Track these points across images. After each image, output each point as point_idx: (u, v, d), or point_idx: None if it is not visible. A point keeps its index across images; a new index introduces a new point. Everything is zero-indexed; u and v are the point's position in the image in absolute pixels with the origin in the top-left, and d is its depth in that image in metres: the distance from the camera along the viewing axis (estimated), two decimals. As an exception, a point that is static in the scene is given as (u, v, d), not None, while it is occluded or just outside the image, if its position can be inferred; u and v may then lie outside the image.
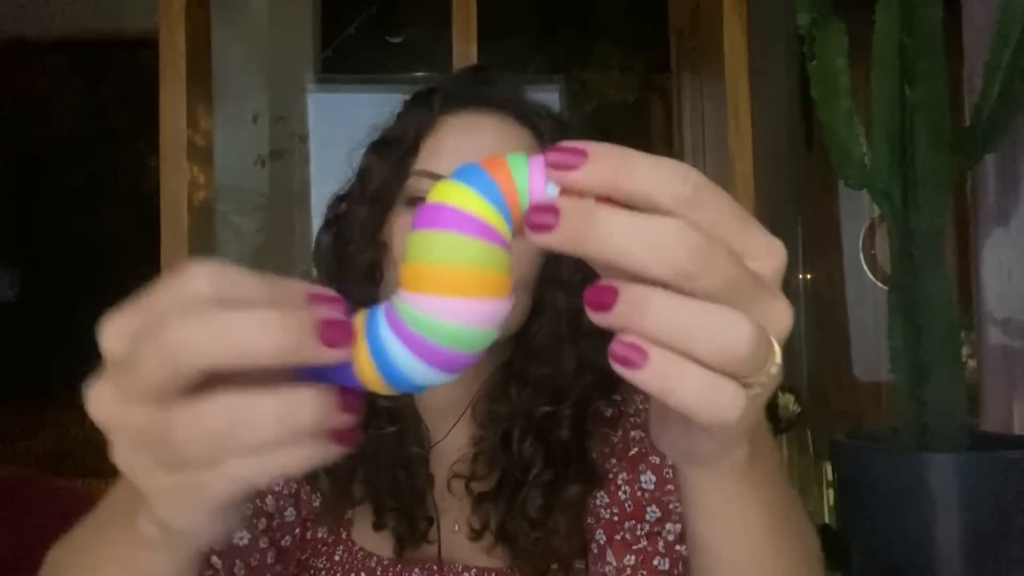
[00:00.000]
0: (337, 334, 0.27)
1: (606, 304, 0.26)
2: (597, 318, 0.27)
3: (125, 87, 2.36)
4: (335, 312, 0.28)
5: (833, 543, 0.98)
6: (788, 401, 1.60)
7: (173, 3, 1.58)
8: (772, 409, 1.57)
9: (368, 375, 0.28)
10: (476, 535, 0.66)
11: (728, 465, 0.34)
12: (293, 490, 0.66)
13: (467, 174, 0.28)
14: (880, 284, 1.96)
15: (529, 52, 2.59)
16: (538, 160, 0.28)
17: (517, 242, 0.76)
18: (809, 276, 2.19)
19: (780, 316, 0.27)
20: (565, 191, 0.27)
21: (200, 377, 0.25)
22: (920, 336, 0.94)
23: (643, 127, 2.70)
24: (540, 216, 0.26)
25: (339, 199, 0.70)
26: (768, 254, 0.27)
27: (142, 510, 0.30)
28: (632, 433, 0.67)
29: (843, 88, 0.99)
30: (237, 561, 0.59)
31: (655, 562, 0.61)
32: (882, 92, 0.95)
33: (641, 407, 0.68)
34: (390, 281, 0.64)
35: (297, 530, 0.66)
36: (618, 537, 0.63)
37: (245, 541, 0.60)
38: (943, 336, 0.93)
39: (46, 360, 2.12)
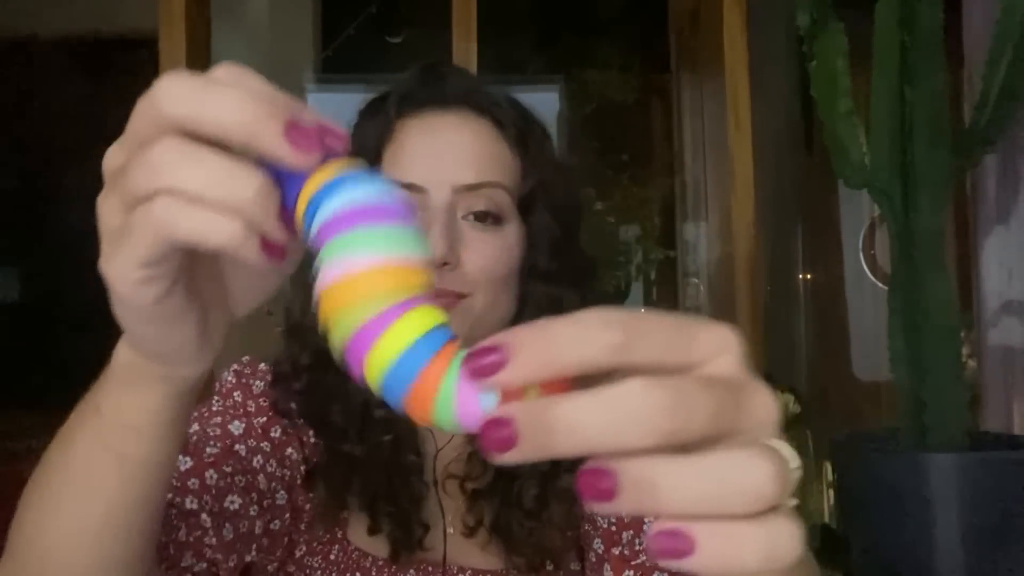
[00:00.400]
0: (301, 138, 0.28)
1: (608, 493, 0.23)
2: (602, 508, 0.24)
3: (125, 87, 2.35)
4: (326, 140, 0.29)
5: (833, 543, 0.98)
6: (788, 401, 1.60)
7: (173, 3, 1.57)
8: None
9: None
10: (470, 532, 0.66)
11: None
12: (287, 476, 0.66)
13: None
14: (880, 284, 1.96)
15: (529, 52, 2.59)
16: (462, 372, 0.25)
17: (500, 236, 0.76)
18: (809, 276, 2.19)
19: (765, 406, 0.25)
20: (505, 395, 0.25)
21: (179, 132, 0.28)
22: (920, 336, 0.94)
23: (643, 127, 2.70)
24: (495, 433, 0.24)
25: None
26: (722, 349, 0.25)
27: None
28: None
29: (843, 88, 0.99)
30: (227, 524, 0.58)
31: None
32: (882, 92, 0.95)
33: None
34: None
35: (287, 515, 0.65)
36: (616, 552, 0.63)
37: (236, 506, 0.60)
38: (943, 336, 0.93)
39: (46, 360, 2.12)
